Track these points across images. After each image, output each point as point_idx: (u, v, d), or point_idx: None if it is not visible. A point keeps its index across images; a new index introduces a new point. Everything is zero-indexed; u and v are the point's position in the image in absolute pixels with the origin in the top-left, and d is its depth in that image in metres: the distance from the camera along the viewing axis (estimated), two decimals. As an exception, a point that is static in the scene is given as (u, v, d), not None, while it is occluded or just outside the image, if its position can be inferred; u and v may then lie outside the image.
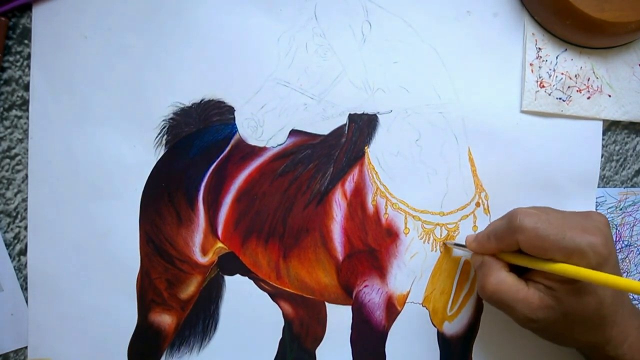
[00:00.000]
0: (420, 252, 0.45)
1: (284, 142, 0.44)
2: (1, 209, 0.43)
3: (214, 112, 0.44)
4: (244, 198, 0.44)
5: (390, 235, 0.45)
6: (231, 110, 0.44)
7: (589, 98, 0.46)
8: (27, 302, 0.44)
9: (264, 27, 0.44)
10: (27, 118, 0.43)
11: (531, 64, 0.45)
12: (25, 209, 0.43)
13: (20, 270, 0.44)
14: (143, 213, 0.44)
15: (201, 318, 0.45)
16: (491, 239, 0.39)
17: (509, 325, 0.46)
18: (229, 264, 0.45)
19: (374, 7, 0.44)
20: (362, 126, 0.45)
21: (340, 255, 0.45)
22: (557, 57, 0.45)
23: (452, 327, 0.46)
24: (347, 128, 0.45)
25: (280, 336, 0.45)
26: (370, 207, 0.45)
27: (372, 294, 0.45)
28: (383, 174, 0.45)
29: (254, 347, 0.45)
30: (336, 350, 0.45)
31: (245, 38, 0.44)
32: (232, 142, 0.44)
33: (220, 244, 0.45)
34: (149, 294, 0.44)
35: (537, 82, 0.45)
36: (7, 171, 0.43)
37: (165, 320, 0.45)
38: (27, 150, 0.43)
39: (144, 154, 0.44)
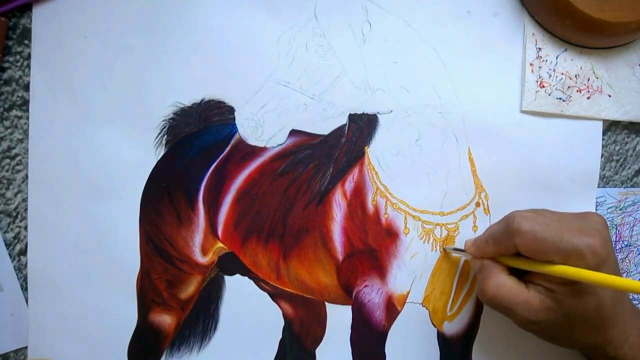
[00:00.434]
0: (420, 252, 0.45)
1: (284, 142, 0.44)
2: (1, 209, 0.43)
3: (214, 112, 0.44)
4: (244, 198, 0.44)
5: (390, 235, 0.45)
6: (231, 110, 0.44)
7: (589, 98, 0.46)
8: (27, 302, 0.44)
9: (264, 27, 0.44)
10: (27, 118, 0.43)
11: (531, 64, 0.45)
12: (25, 209, 0.43)
13: (20, 270, 0.44)
14: (143, 213, 0.44)
15: (201, 318, 0.45)
16: (489, 243, 0.39)
17: (509, 325, 0.46)
18: (229, 264, 0.45)
19: (374, 7, 0.44)
20: (362, 126, 0.45)
21: (340, 255, 0.45)
22: (557, 57, 0.45)
23: (452, 327, 0.46)
24: (347, 128, 0.45)
25: (280, 336, 0.45)
26: (370, 207, 0.45)
27: (372, 294, 0.45)
28: (383, 174, 0.45)
29: (254, 347, 0.45)
30: (336, 350, 0.45)
31: (245, 38, 0.44)
32: (232, 142, 0.44)
33: (220, 244, 0.45)
34: (149, 294, 0.44)
35: (537, 82, 0.45)
36: (7, 171, 0.43)
37: (165, 320, 0.45)
38: (27, 150, 0.43)
39: (144, 154, 0.44)
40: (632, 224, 0.48)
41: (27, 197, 0.43)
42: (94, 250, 0.44)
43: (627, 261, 0.49)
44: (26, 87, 0.43)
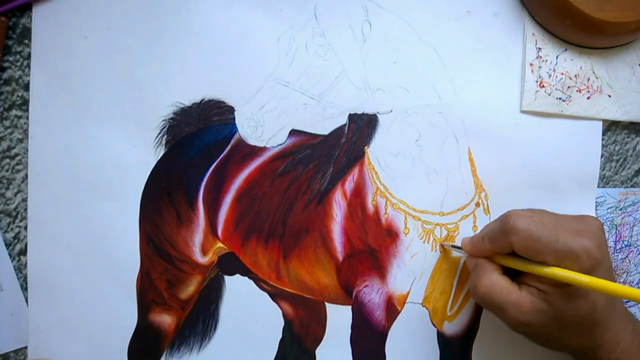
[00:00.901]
0: (420, 252, 0.45)
1: (284, 142, 0.44)
2: (1, 209, 0.43)
3: (214, 112, 0.44)
4: (244, 198, 0.44)
5: (390, 235, 0.45)
6: (231, 110, 0.44)
7: (588, 98, 0.46)
8: (27, 302, 0.44)
9: (264, 27, 0.44)
10: (27, 118, 0.43)
11: (531, 64, 0.45)
12: (25, 209, 0.43)
13: (20, 270, 0.44)
14: (143, 213, 0.44)
15: (201, 318, 0.45)
16: (485, 241, 0.39)
17: (509, 325, 0.46)
18: (229, 264, 0.45)
19: (374, 7, 0.44)
20: (362, 126, 0.45)
21: (340, 255, 0.45)
22: (557, 57, 0.45)
23: (452, 327, 0.46)
24: (347, 128, 0.45)
25: (280, 336, 0.45)
26: (370, 207, 0.45)
27: (372, 294, 0.45)
28: (383, 174, 0.45)
29: (254, 347, 0.45)
30: (336, 350, 0.45)
31: (245, 38, 0.44)
32: (232, 142, 0.44)
33: (220, 244, 0.45)
34: (149, 294, 0.44)
35: (537, 82, 0.45)
36: (7, 171, 0.43)
37: (165, 320, 0.45)
38: (27, 150, 0.43)
39: (144, 154, 0.44)
40: (632, 224, 0.48)
41: (27, 197, 0.43)
42: (94, 250, 0.44)
43: (627, 261, 0.49)
44: (26, 87, 0.43)
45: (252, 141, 0.44)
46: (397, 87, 0.44)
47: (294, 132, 0.44)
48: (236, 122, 0.44)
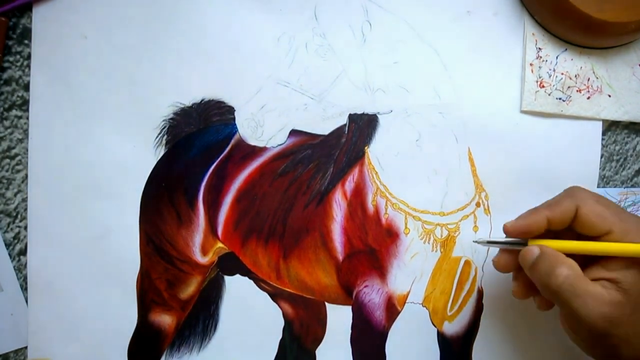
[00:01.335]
0: (421, 252, 0.45)
1: (284, 142, 0.44)
2: (1, 209, 0.43)
3: (214, 112, 0.44)
4: (244, 198, 0.44)
5: (391, 235, 0.45)
6: (231, 110, 0.44)
7: (588, 98, 0.46)
8: (27, 302, 0.44)
9: (264, 27, 0.44)
10: (27, 118, 0.43)
11: (531, 64, 0.45)
12: (25, 209, 0.43)
13: (20, 270, 0.44)
14: (143, 213, 0.44)
15: (201, 318, 0.45)
16: (540, 210, 0.37)
17: (509, 325, 0.46)
18: (229, 264, 0.45)
19: (374, 7, 0.44)
20: (362, 126, 0.45)
21: (340, 256, 0.45)
22: (557, 57, 0.45)
23: (452, 327, 0.46)
24: (347, 128, 0.45)
25: (280, 336, 0.45)
26: (370, 207, 0.45)
27: (372, 294, 0.45)
28: (383, 174, 0.45)
29: (254, 347, 0.45)
30: (336, 350, 0.45)
31: (245, 38, 0.44)
32: (232, 142, 0.44)
33: (220, 244, 0.45)
34: (149, 294, 0.44)
35: (537, 82, 0.45)
36: (7, 171, 0.43)
37: (165, 320, 0.45)
38: (27, 150, 0.43)
39: (144, 154, 0.44)
40: (632, 224, 0.48)
41: (27, 197, 0.43)
42: (93, 250, 0.44)
43: (627, 261, 0.49)
44: (26, 87, 0.43)
45: (252, 141, 0.44)
46: (397, 87, 0.44)
47: (294, 132, 0.44)
48: (236, 122, 0.44)
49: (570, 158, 0.46)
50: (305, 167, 0.45)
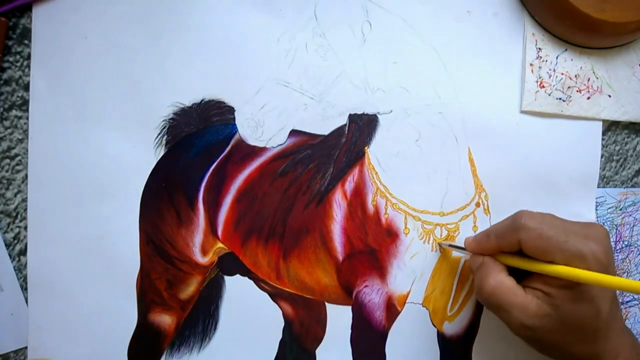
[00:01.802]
0: (421, 252, 0.45)
1: (284, 142, 0.44)
2: (1, 209, 0.43)
3: (214, 112, 0.44)
4: (244, 198, 0.44)
5: (390, 235, 0.45)
6: (231, 110, 0.44)
7: (588, 98, 0.46)
8: (27, 302, 0.44)
9: (264, 27, 0.44)
10: (27, 118, 0.43)
11: (531, 64, 0.45)
12: (25, 209, 0.43)
13: (20, 270, 0.44)
14: (143, 213, 0.44)
15: (201, 318, 0.45)
16: (491, 237, 0.39)
17: (509, 325, 0.46)
18: (229, 264, 0.45)
19: (374, 7, 0.44)
20: (362, 126, 0.45)
21: (340, 256, 0.45)
22: (557, 57, 0.45)
23: (452, 327, 0.46)
24: (347, 128, 0.45)
25: (280, 336, 0.45)
26: (370, 207, 0.45)
27: (372, 294, 0.45)
28: (383, 174, 0.45)
29: (254, 348, 0.45)
30: (336, 350, 0.45)
31: (245, 38, 0.44)
32: (232, 142, 0.44)
33: (220, 244, 0.45)
34: (149, 294, 0.44)
35: (537, 82, 0.45)
36: (7, 171, 0.43)
37: (165, 320, 0.45)
38: (27, 150, 0.43)
39: (144, 154, 0.44)
40: (632, 224, 0.48)
41: (27, 197, 0.43)
42: (94, 250, 0.44)
43: (627, 261, 0.49)
44: (26, 87, 0.43)
45: (252, 141, 0.44)
46: (397, 87, 0.44)
47: (294, 133, 0.44)
48: (236, 122, 0.44)
49: (570, 158, 0.46)
50: (305, 167, 0.45)
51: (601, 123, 0.46)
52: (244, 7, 0.44)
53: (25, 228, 0.43)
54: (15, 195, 0.43)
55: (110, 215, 0.44)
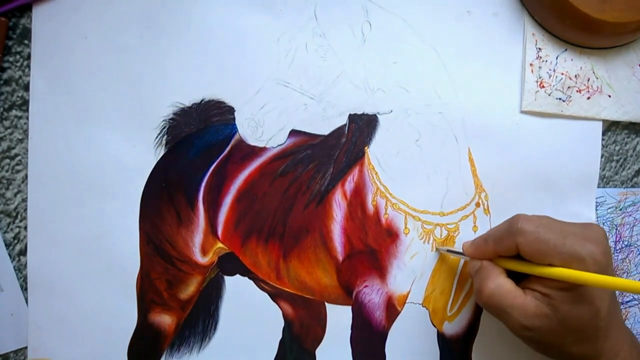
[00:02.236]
0: (420, 253, 0.45)
1: (284, 143, 0.44)
2: (1, 209, 0.43)
3: (214, 112, 0.44)
4: (244, 198, 0.44)
5: (390, 235, 0.45)
6: (231, 110, 0.44)
7: (588, 98, 0.46)
8: (27, 302, 0.44)
9: (264, 27, 0.44)
10: (27, 118, 0.43)
11: (531, 64, 0.45)
12: (25, 209, 0.43)
13: (20, 270, 0.44)
14: (143, 213, 0.44)
15: (201, 318, 0.45)
16: (489, 242, 0.39)
17: (509, 325, 0.46)
18: (229, 264, 0.45)
19: (374, 7, 0.44)
20: (362, 126, 0.45)
21: (340, 256, 0.45)
22: (557, 57, 0.45)
23: (452, 327, 0.46)
24: (347, 128, 0.45)
25: (280, 336, 0.45)
26: (370, 207, 0.45)
27: (372, 294, 0.45)
28: (383, 174, 0.45)
29: (254, 348, 0.45)
30: (336, 350, 0.45)
31: (245, 38, 0.44)
32: (232, 142, 0.44)
33: (220, 244, 0.45)
34: (149, 294, 0.44)
35: (537, 82, 0.45)
36: (7, 171, 0.43)
37: (165, 320, 0.45)
38: (27, 150, 0.43)
39: (144, 154, 0.44)
40: (632, 224, 0.48)
41: (27, 197, 0.43)
42: (93, 250, 0.44)
43: (627, 261, 0.49)
44: (26, 87, 0.43)
45: (252, 141, 0.44)
46: (397, 87, 0.44)
47: (294, 133, 0.44)
48: (236, 122, 0.44)
49: (570, 158, 0.46)
50: (305, 167, 0.45)
51: (601, 123, 0.46)
52: (244, 7, 0.44)
53: (25, 228, 0.44)
54: (15, 195, 0.43)
55: (111, 215, 0.44)
